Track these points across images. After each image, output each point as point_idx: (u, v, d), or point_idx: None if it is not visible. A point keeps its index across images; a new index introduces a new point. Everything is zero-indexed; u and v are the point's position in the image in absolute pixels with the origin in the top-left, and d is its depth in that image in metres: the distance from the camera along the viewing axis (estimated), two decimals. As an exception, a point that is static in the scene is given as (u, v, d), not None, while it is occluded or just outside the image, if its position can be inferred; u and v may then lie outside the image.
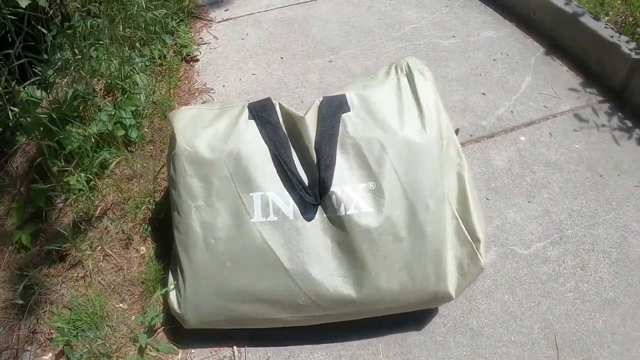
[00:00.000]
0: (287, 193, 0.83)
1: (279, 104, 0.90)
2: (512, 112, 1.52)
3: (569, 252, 1.15)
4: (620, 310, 1.04)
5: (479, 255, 0.90)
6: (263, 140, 0.86)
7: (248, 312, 0.84)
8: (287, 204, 0.83)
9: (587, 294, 1.07)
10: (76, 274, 1.14)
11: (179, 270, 0.86)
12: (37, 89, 1.39)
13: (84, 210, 1.20)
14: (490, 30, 1.93)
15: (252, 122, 0.88)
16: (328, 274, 0.82)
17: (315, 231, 0.82)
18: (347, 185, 0.82)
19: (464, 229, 0.89)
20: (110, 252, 1.13)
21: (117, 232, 1.16)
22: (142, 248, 1.13)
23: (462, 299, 1.03)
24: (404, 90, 0.90)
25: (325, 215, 0.83)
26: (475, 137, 1.42)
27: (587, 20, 1.70)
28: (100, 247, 1.14)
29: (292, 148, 0.86)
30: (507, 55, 1.79)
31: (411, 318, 0.98)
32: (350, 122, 0.86)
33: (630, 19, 1.77)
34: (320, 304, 0.83)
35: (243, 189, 0.83)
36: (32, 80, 1.36)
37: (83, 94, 1.32)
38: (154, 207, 1.19)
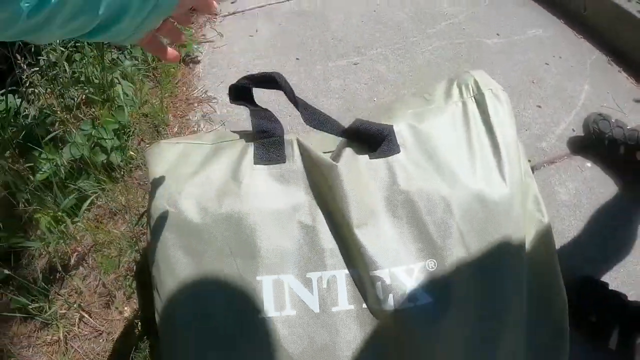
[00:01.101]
0: (308, 276, 0.59)
1: (298, 140, 0.65)
2: (573, 130, 1.27)
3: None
4: None
5: (563, 343, 0.66)
6: (274, 198, 0.62)
7: None
8: (310, 291, 0.59)
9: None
10: (49, 337, 0.92)
11: None
12: (16, 97, 1.17)
13: (57, 256, 0.98)
14: (537, 28, 1.67)
15: (259, 168, 0.64)
16: None
17: (352, 329, 0.58)
18: (398, 267, 0.58)
19: (543, 310, 0.66)
20: (86, 314, 0.91)
21: (97, 286, 0.95)
22: (125, 309, 0.91)
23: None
24: (474, 120, 0.65)
25: (364, 306, 0.59)
26: (534, 163, 1.17)
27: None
28: (76, 305, 0.92)
29: (318, 209, 0.62)
30: (560, 58, 1.54)
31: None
32: (402, 170, 0.61)
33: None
34: None
35: (248, 270, 0.58)
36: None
37: (57, 110, 1.10)
38: (139, 255, 0.97)
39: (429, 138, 0.64)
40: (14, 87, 1.17)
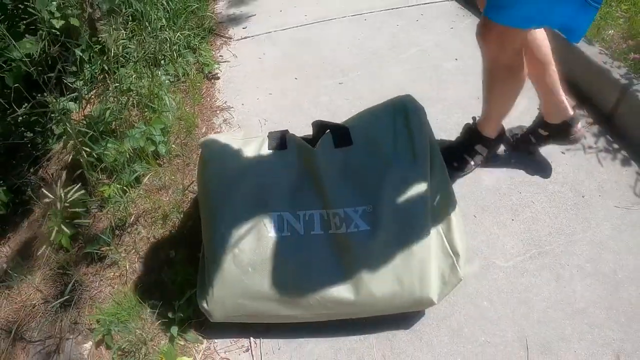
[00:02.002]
0: (298, 213, 1.02)
1: (294, 137, 1.09)
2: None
3: (546, 265, 1.29)
4: (588, 319, 1.17)
5: (458, 267, 1.06)
6: (280, 169, 1.04)
7: (265, 309, 1.03)
8: (298, 221, 1.01)
9: (559, 303, 1.21)
10: (112, 274, 1.31)
11: (207, 274, 1.04)
12: (69, 100, 1.58)
13: (119, 217, 1.37)
14: (490, 53, 2.06)
15: (272, 152, 1.06)
16: (331, 280, 1.00)
17: (322, 245, 1.00)
18: (349, 208, 1.00)
19: (446, 244, 1.06)
20: (143, 255, 1.30)
21: (149, 238, 1.34)
22: (171, 252, 1.30)
23: (445, 304, 1.19)
24: (400, 126, 1.06)
25: (330, 232, 1.00)
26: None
27: (581, 45, 1.78)
28: (134, 250, 1.31)
29: (305, 175, 1.04)
30: (505, 78, 1.92)
31: (401, 318, 1.14)
32: (353, 154, 1.04)
33: (624, 45, 1.89)
34: (325, 304, 1.01)
35: (263, 209, 1.01)
36: (69, 95, 1.55)
37: (115, 112, 1.50)
38: (181, 216, 1.36)
39: (370, 136, 1.06)
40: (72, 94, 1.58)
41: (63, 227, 1.23)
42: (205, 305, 1.05)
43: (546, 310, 1.20)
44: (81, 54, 1.56)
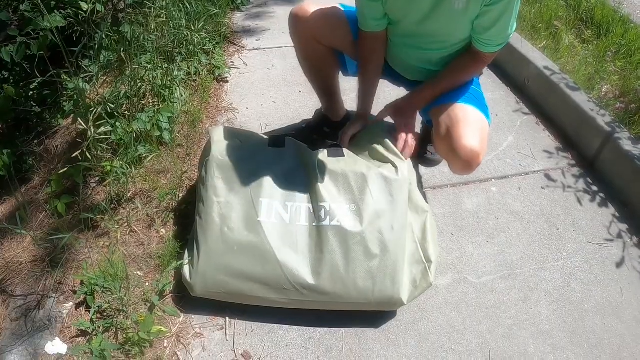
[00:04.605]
0: (286, 204, 1.10)
1: (293, 139, 1.20)
2: (489, 166, 1.75)
3: (515, 287, 1.35)
4: (552, 341, 1.23)
5: (429, 273, 1.13)
6: (277, 163, 1.14)
7: (244, 289, 1.08)
8: (286, 212, 1.09)
9: (524, 323, 1.27)
10: (103, 243, 1.36)
11: (195, 248, 1.10)
12: (82, 81, 1.66)
13: (117, 191, 1.43)
14: (486, 92, 2.13)
15: (270, 148, 1.18)
16: (309, 268, 1.06)
17: (304, 234, 1.08)
18: (335, 204, 1.08)
19: (420, 251, 1.14)
20: (135, 229, 1.35)
21: (143, 214, 1.39)
22: (162, 230, 1.35)
23: (415, 309, 1.24)
24: (384, 144, 1.19)
25: (314, 224, 1.08)
26: (452, 183, 1.65)
27: (571, 92, 1.91)
28: (127, 224, 1.36)
29: (298, 172, 1.14)
30: (497, 116, 2.03)
31: (371, 317, 1.19)
32: (344, 162, 1.15)
33: (610, 95, 2.01)
34: (300, 290, 1.07)
35: (255, 195, 1.09)
36: (83, 75, 1.63)
37: (129, 94, 1.58)
38: (177, 199, 1.43)
39: (360, 149, 1.19)
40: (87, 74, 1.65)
41: (92, 147, 1.29)
42: (188, 277, 1.10)
43: (511, 327, 1.25)
44: (103, 37, 1.65)
